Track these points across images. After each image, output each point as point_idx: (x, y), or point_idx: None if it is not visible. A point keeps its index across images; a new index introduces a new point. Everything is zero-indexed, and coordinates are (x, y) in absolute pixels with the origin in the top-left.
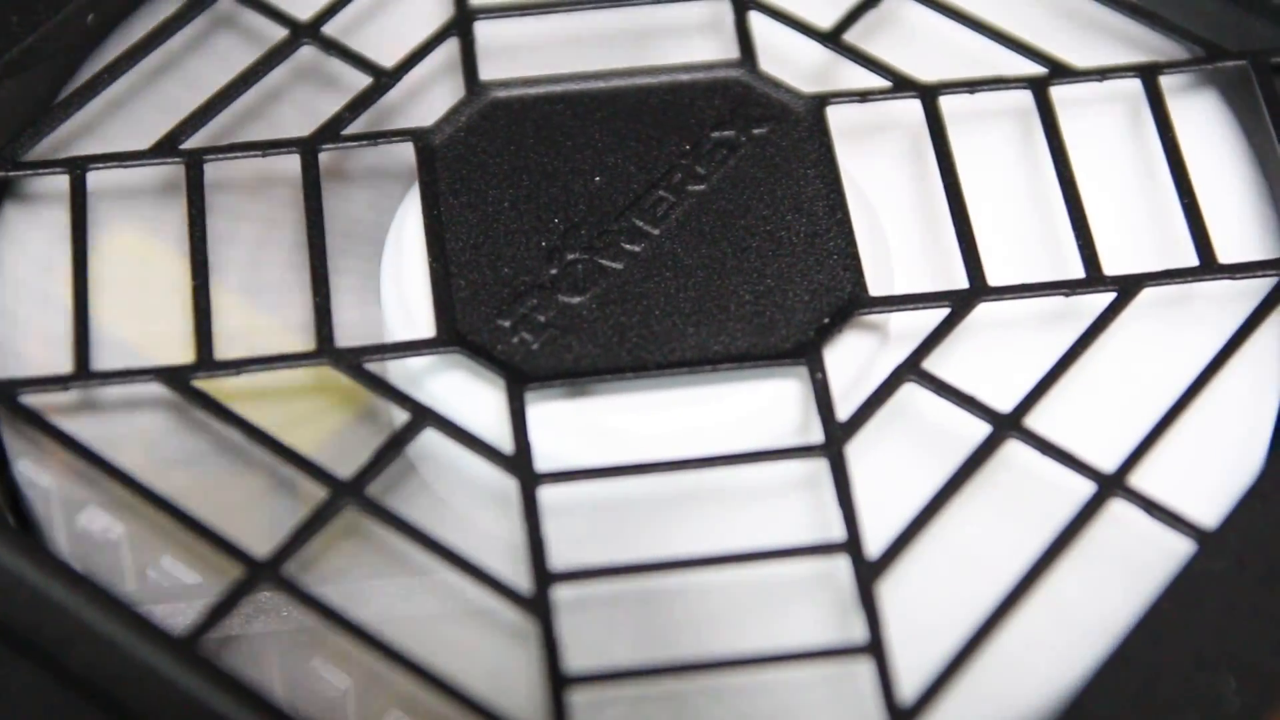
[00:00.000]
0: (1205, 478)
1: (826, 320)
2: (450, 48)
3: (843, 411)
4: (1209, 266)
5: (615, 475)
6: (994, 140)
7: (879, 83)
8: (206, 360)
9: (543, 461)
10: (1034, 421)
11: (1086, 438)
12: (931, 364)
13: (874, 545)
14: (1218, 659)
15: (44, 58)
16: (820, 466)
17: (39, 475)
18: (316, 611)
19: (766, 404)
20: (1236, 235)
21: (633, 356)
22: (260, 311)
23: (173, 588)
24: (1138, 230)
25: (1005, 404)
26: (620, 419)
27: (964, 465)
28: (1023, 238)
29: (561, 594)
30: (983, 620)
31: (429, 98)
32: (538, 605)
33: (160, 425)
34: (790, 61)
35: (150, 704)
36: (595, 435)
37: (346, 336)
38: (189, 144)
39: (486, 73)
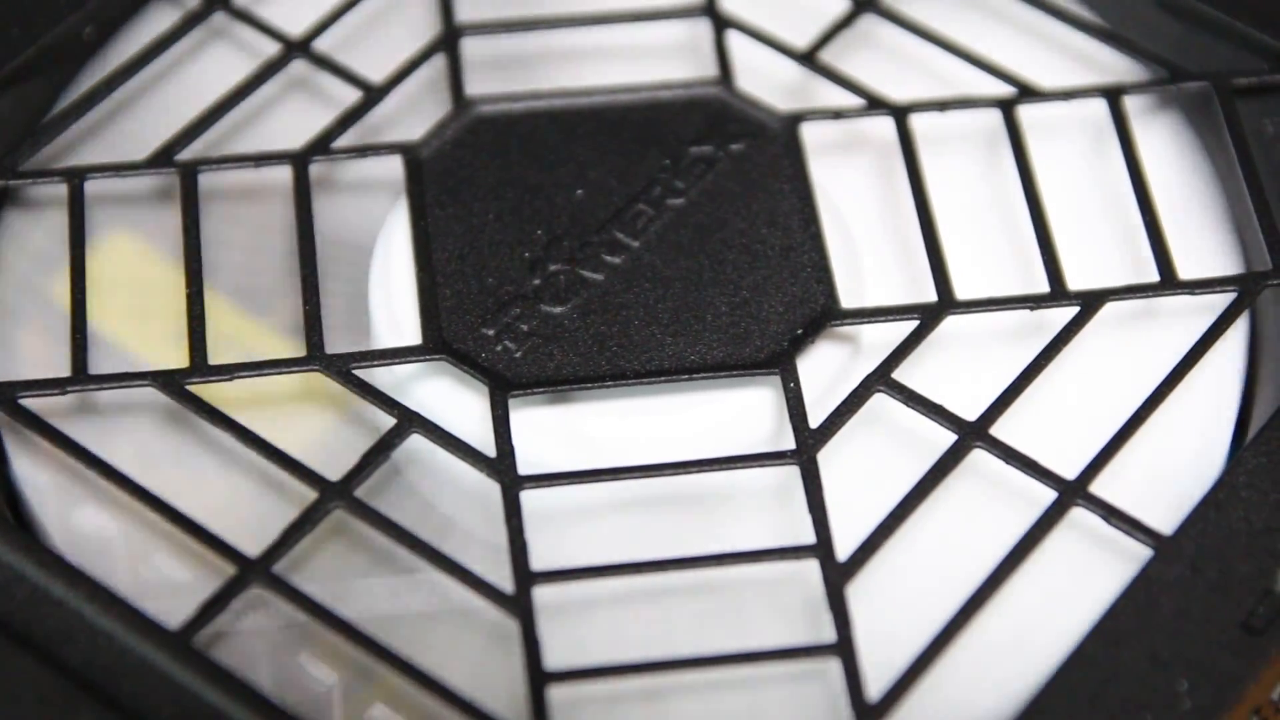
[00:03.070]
0: (1164, 486)
1: (800, 331)
2: (437, 64)
3: (814, 420)
4: (1170, 282)
5: (595, 479)
6: (963, 158)
7: (852, 101)
8: (200, 365)
9: (525, 466)
10: (999, 431)
11: (1050, 447)
12: (901, 374)
13: (843, 548)
14: (1172, 660)
15: (43, 69)
16: (792, 472)
17: (36, 474)
18: (305, 608)
19: (741, 412)
20: (1196, 252)
21: (612, 365)
22: (252, 316)
23: (164, 584)
24: (1101, 246)
25: (971, 413)
26: (600, 425)
27: (931, 472)
28: (990, 253)
29: (542, 594)
30: (948, 621)
31: (417, 112)
32: (519, 604)
33: (154, 426)
34: (767, 80)
35: (145, 697)
36: (576, 441)
37: (336, 343)
38: (184, 155)
39: (473, 88)
